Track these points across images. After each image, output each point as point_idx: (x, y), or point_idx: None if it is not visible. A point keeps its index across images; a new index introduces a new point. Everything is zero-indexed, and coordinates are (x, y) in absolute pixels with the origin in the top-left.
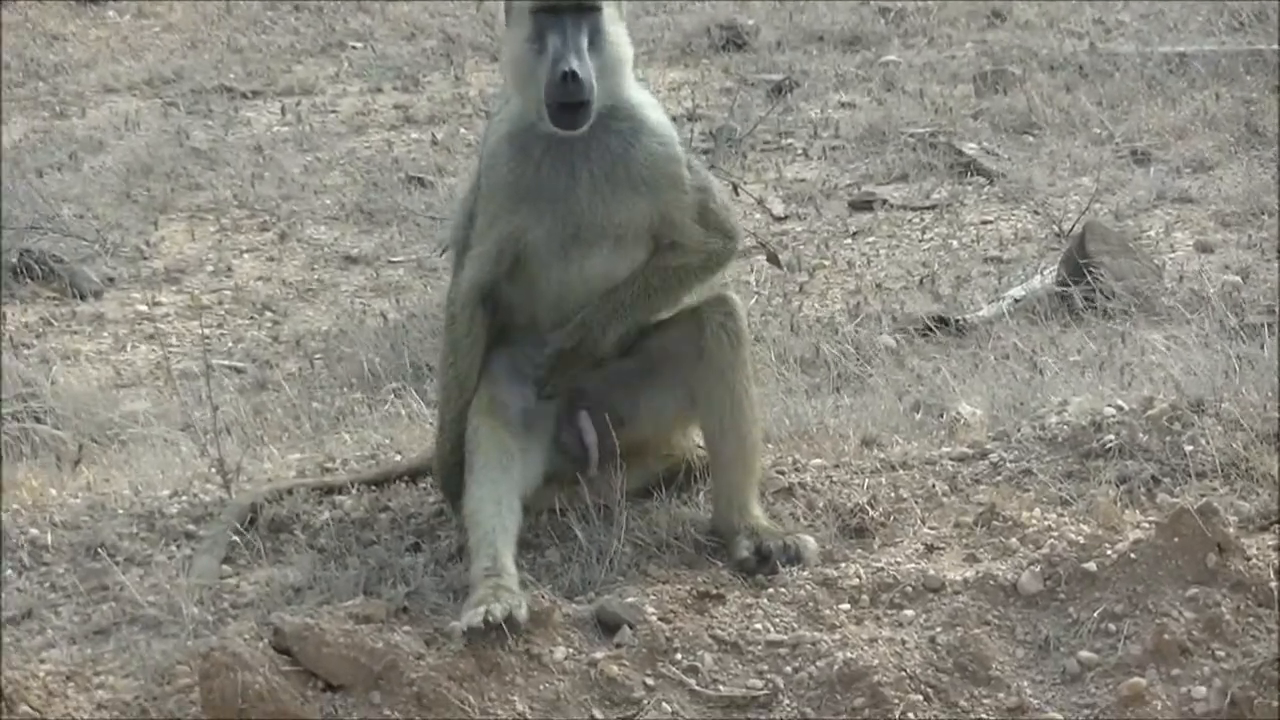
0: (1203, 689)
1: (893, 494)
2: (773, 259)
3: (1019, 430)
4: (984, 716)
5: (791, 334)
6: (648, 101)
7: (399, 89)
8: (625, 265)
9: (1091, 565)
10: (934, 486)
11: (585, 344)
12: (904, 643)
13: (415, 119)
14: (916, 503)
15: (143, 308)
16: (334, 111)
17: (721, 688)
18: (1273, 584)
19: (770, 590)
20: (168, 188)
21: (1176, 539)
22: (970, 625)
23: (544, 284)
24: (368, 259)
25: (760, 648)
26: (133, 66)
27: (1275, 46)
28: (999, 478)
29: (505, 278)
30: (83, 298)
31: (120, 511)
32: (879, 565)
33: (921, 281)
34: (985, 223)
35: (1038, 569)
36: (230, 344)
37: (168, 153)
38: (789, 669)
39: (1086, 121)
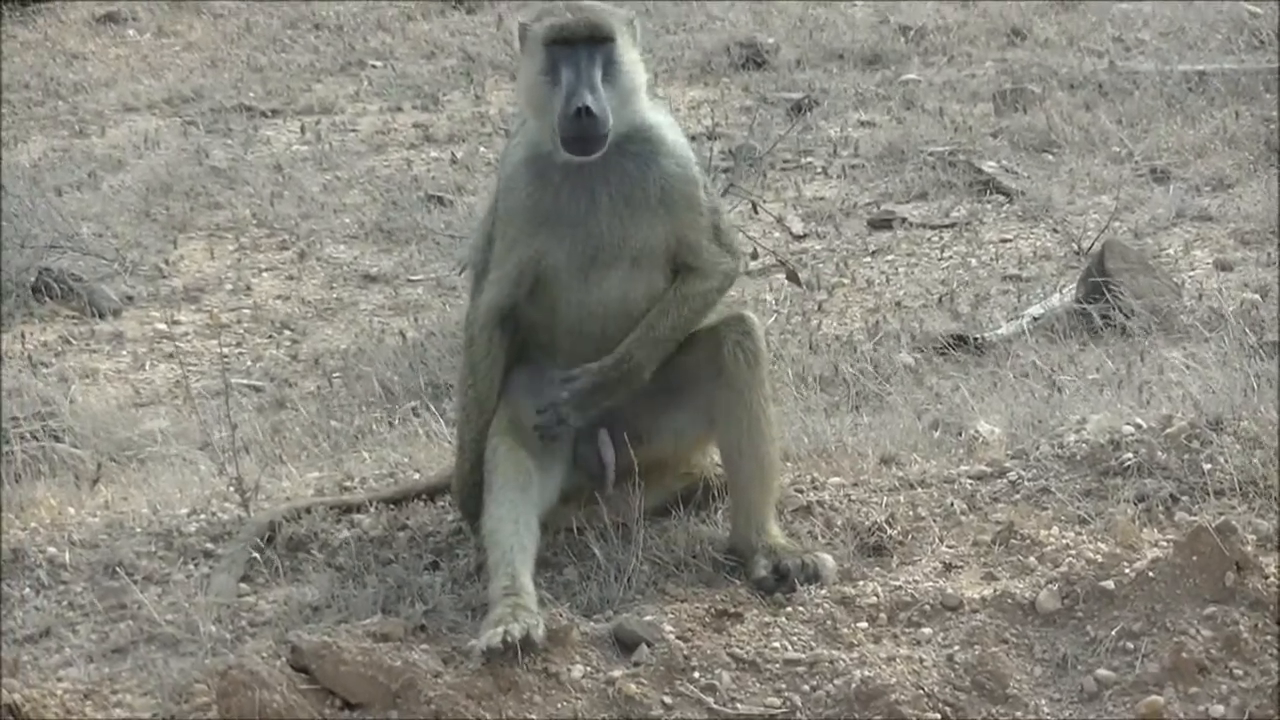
0: (1220, 707)
1: (911, 512)
2: (792, 277)
3: (1037, 448)
4: None
5: (810, 352)
6: (664, 123)
7: (419, 108)
8: (642, 286)
9: (1109, 584)
10: (952, 505)
11: (626, 377)
12: (922, 661)
13: (435, 138)
14: (935, 521)
15: (162, 326)
16: (354, 130)
17: (739, 706)
18: None
19: (788, 609)
20: (187, 206)
21: (1195, 557)
22: (988, 643)
23: (563, 306)
24: (387, 277)
25: (778, 666)
26: (152, 85)
27: None
28: (1017, 496)
29: (525, 299)
30: (102, 316)
31: (138, 530)
32: (897, 584)
33: (940, 300)
34: (1004, 241)
35: (1056, 587)
36: (249, 362)
37: (187, 171)
38: (806, 687)
39: (1106, 140)
